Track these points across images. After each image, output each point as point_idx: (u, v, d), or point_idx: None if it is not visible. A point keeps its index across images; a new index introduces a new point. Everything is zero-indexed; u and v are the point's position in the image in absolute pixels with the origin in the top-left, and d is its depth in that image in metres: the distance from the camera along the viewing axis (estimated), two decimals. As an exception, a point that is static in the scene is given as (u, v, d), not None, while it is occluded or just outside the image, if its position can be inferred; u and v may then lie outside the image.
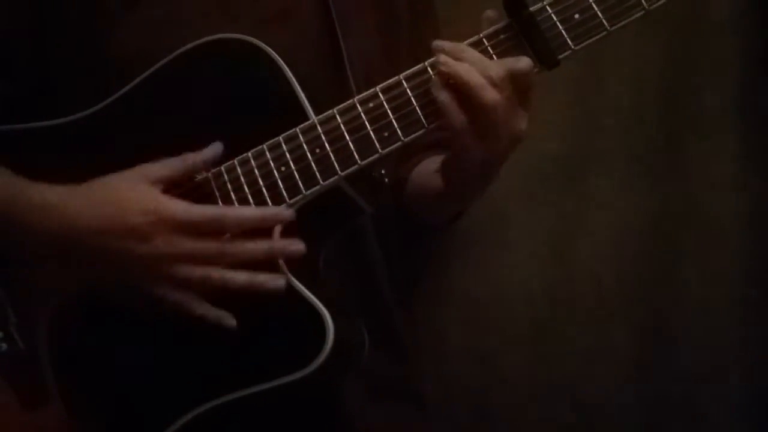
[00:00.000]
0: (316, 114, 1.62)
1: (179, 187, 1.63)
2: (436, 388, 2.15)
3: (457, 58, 1.59)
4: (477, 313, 2.36)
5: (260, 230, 1.59)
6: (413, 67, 1.63)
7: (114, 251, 1.57)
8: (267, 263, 1.59)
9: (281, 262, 1.60)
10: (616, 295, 2.36)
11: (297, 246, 1.59)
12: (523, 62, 1.58)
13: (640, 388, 2.36)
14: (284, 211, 1.60)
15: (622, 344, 2.36)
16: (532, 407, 2.37)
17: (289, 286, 1.59)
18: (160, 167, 1.60)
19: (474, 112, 1.57)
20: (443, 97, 1.58)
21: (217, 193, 1.63)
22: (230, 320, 1.57)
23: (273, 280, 1.58)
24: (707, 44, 2.32)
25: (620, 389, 2.36)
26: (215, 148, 1.62)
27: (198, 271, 1.57)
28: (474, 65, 1.57)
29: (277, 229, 1.60)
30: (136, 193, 1.58)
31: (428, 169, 1.85)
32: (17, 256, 1.65)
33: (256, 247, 1.58)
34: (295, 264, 1.60)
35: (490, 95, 1.56)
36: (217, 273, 1.57)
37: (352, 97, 1.63)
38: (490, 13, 1.62)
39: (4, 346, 1.66)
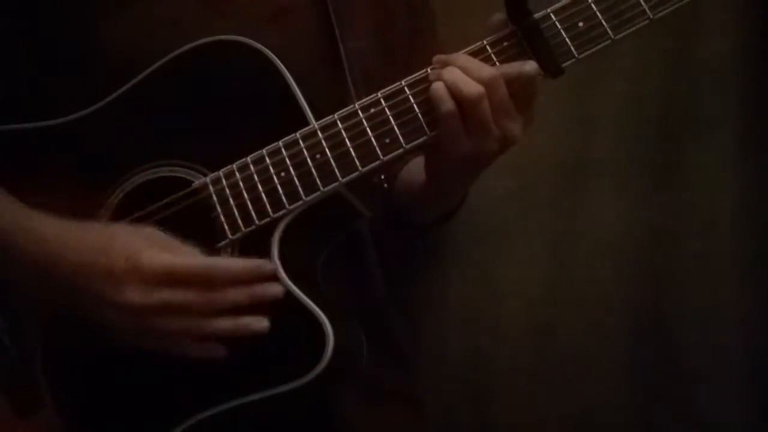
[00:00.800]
0: (316, 118, 1.61)
1: (175, 192, 1.63)
2: (434, 390, 2.16)
3: (446, 64, 1.59)
4: (476, 315, 2.37)
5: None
6: (410, 67, 1.62)
7: (93, 293, 1.55)
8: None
9: (280, 270, 1.59)
10: (616, 296, 2.36)
11: (275, 289, 1.57)
12: (529, 66, 1.57)
13: (640, 389, 2.36)
14: (267, 265, 1.58)
15: (621, 345, 2.36)
16: (531, 409, 2.37)
17: (288, 293, 1.58)
18: (162, 233, 1.59)
19: (460, 105, 1.57)
20: (433, 88, 1.58)
21: (215, 198, 1.62)
22: (220, 352, 1.56)
23: (256, 323, 1.55)
24: (707, 44, 2.32)
25: (620, 390, 2.36)
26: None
27: (176, 322, 1.54)
28: (460, 65, 1.58)
29: (275, 245, 1.60)
30: (126, 238, 1.57)
31: (416, 164, 1.83)
32: (9, 278, 1.64)
33: (238, 294, 1.56)
34: (294, 270, 1.59)
35: (471, 88, 1.55)
36: (197, 323, 1.55)
37: (350, 96, 1.64)
38: (498, 16, 1.61)
39: (-3, 355, 1.65)
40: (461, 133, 1.58)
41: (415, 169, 1.81)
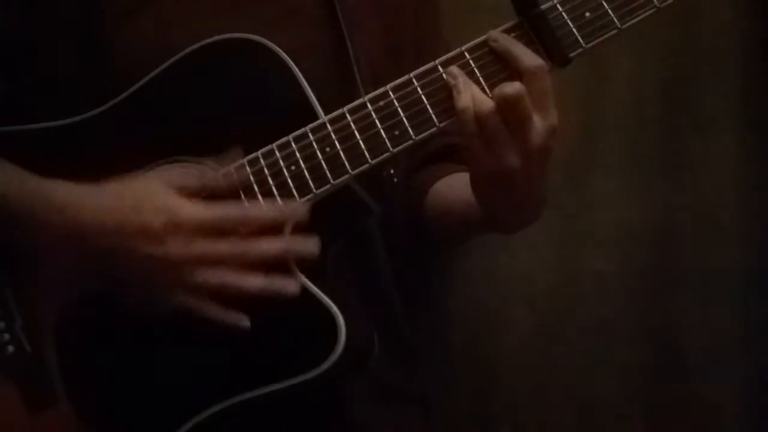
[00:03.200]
0: (325, 114, 1.62)
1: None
2: (439, 389, 2.15)
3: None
4: (479, 314, 2.37)
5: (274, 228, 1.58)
6: (418, 67, 1.63)
7: (127, 250, 1.55)
8: (280, 266, 1.58)
9: (292, 264, 1.59)
10: (618, 295, 2.37)
11: (312, 243, 1.57)
12: (510, 88, 1.57)
13: (641, 389, 2.37)
14: (300, 207, 1.59)
15: (623, 344, 2.37)
16: (534, 408, 2.38)
17: (302, 287, 1.58)
18: (179, 173, 1.60)
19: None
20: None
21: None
22: (245, 322, 1.56)
23: (288, 285, 1.56)
24: (708, 44, 2.33)
25: (622, 389, 2.37)
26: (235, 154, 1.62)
27: (212, 275, 1.55)
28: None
29: (288, 228, 1.59)
30: (152, 193, 1.57)
31: (455, 187, 1.85)
32: (31, 252, 1.63)
33: (271, 246, 1.57)
34: (306, 264, 1.60)
35: (471, 128, 1.57)
36: (232, 277, 1.55)
37: (360, 97, 1.63)
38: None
39: (11, 348, 1.64)
40: (481, 152, 1.60)
41: (452, 193, 1.84)
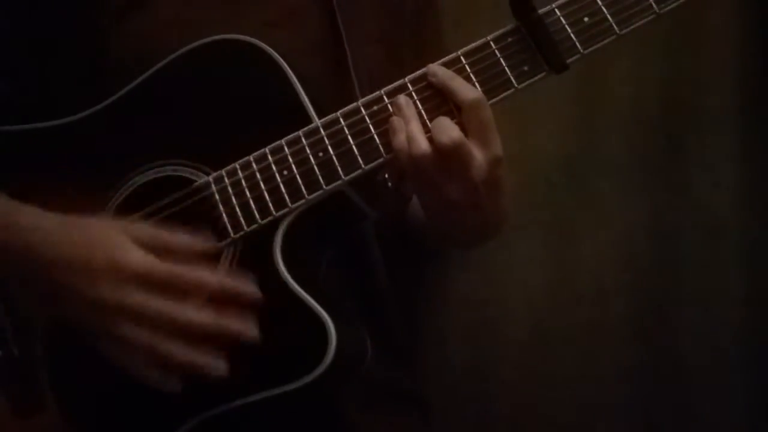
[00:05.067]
0: (319, 117, 1.60)
1: (178, 191, 1.62)
2: (437, 390, 2.15)
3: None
4: (477, 314, 2.37)
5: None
6: (417, 70, 1.61)
7: (69, 288, 1.53)
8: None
9: (282, 268, 1.58)
10: (617, 295, 2.37)
11: (251, 329, 1.52)
12: (445, 137, 1.54)
13: (640, 389, 2.36)
14: (249, 286, 1.54)
15: (623, 345, 2.36)
16: (532, 408, 2.37)
17: (293, 293, 1.57)
18: (147, 228, 1.58)
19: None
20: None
21: (217, 197, 1.61)
22: (172, 385, 1.53)
23: (216, 367, 1.51)
24: (707, 44, 2.32)
25: (621, 389, 2.37)
26: (196, 242, 1.57)
27: (143, 337, 1.51)
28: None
29: (277, 244, 1.58)
30: (107, 234, 1.54)
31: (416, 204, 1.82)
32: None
33: (204, 319, 1.51)
34: (297, 269, 1.58)
35: (406, 168, 1.56)
36: (158, 340, 1.50)
37: (356, 99, 1.62)
38: None
39: (-1, 353, 1.64)
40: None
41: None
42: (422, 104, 1.59)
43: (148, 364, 1.52)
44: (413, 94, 1.59)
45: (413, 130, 1.56)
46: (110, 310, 1.51)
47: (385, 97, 1.59)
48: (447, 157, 1.53)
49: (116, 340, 1.52)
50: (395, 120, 1.57)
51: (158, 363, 1.51)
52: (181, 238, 1.56)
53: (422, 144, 1.54)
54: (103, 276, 1.51)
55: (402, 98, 1.58)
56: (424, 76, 1.60)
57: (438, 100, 1.59)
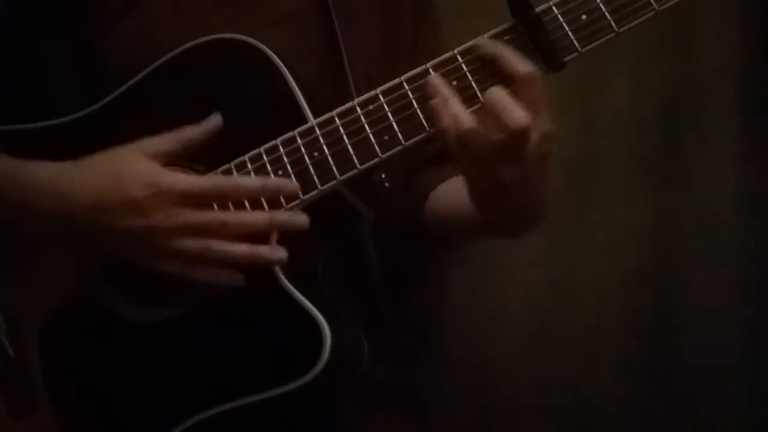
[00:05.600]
0: (315, 117, 1.59)
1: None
2: (436, 390, 2.14)
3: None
4: (478, 314, 2.37)
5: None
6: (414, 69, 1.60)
7: (114, 226, 1.56)
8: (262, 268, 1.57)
9: (277, 269, 1.57)
10: (617, 295, 2.37)
11: (300, 219, 1.57)
12: (520, 122, 1.51)
13: (640, 389, 2.37)
14: (289, 184, 1.58)
15: (622, 345, 2.37)
16: (532, 408, 2.38)
17: (287, 294, 1.57)
18: (158, 141, 1.58)
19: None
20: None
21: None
22: (238, 280, 1.56)
23: (274, 252, 1.56)
24: (707, 44, 2.33)
25: (620, 389, 2.37)
26: (214, 120, 1.60)
27: (198, 243, 1.55)
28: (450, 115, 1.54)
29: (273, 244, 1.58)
30: (135, 166, 1.56)
31: (454, 192, 1.80)
32: (22, 235, 1.65)
33: (258, 217, 1.57)
34: (293, 270, 1.58)
35: (455, 148, 1.54)
36: (217, 244, 1.55)
37: (352, 99, 1.61)
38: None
39: (-6, 354, 1.64)
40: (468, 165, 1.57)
41: (453, 196, 1.80)
42: (472, 76, 1.58)
43: (213, 268, 1.56)
44: (463, 65, 1.58)
45: (456, 108, 1.53)
46: (165, 232, 1.55)
47: (380, 96, 1.58)
48: (512, 139, 1.51)
49: (177, 257, 1.56)
50: (436, 102, 1.55)
51: (222, 264, 1.56)
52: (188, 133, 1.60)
53: (468, 119, 1.52)
54: (149, 205, 1.54)
55: (435, 78, 1.57)
56: (471, 49, 1.58)
57: (486, 72, 1.57)
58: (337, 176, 1.58)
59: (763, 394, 2.34)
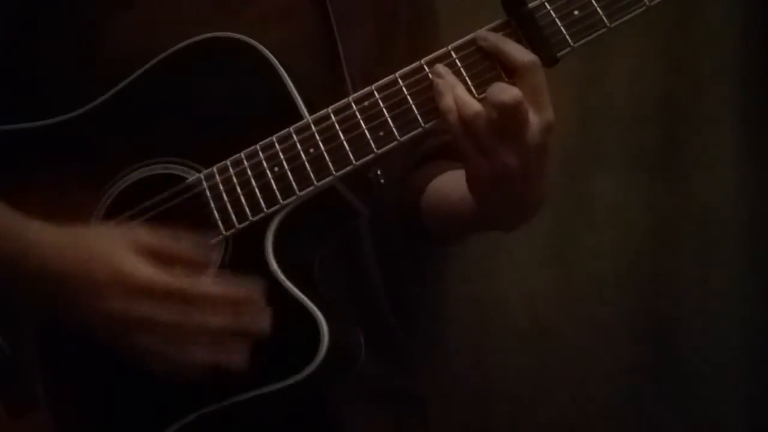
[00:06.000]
0: (311, 114, 1.60)
1: (169, 189, 1.62)
2: (435, 389, 2.14)
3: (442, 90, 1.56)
4: (477, 313, 2.37)
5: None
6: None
7: (77, 300, 1.53)
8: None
9: (274, 264, 1.57)
10: (617, 295, 2.38)
11: (262, 325, 1.52)
12: (507, 95, 1.52)
13: (640, 389, 2.38)
14: (254, 294, 1.53)
15: (622, 344, 2.38)
16: (531, 408, 2.38)
17: (284, 290, 1.56)
18: (149, 234, 1.56)
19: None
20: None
21: (208, 194, 1.61)
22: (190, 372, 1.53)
23: (232, 360, 1.51)
24: (707, 44, 2.33)
25: (620, 389, 2.38)
26: (214, 251, 1.59)
27: (152, 340, 1.51)
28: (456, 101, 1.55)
29: (269, 241, 1.58)
30: (110, 248, 1.54)
31: (448, 183, 1.81)
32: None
33: (216, 323, 1.52)
34: (289, 266, 1.58)
35: (457, 131, 1.54)
36: (171, 348, 1.51)
37: (348, 95, 1.61)
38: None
39: (-9, 353, 1.65)
40: (474, 156, 1.56)
41: (449, 189, 1.80)
42: (466, 71, 1.57)
43: (166, 365, 1.52)
44: (457, 61, 1.58)
45: (460, 92, 1.54)
46: (120, 321, 1.51)
47: (375, 93, 1.59)
48: (506, 117, 1.51)
49: (131, 348, 1.53)
50: (440, 82, 1.55)
51: (176, 364, 1.52)
52: (182, 245, 1.56)
53: (474, 104, 1.53)
54: (109, 289, 1.51)
55: (441, 67, 1.57)
56: (467, 44, 1.58)
57: (482, 67, 1.57)
58: (333, 172, 1.58)
59: (763, 394, 2.34)
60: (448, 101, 1.54)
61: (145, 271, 1.52)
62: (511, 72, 1.55)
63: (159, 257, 1.53)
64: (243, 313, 1.52)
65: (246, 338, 1.52)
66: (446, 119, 1.54)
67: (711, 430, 2.37)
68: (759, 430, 2.35)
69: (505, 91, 1.51)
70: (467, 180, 1.63)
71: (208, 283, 1.55)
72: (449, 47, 1.59)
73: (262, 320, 1.52)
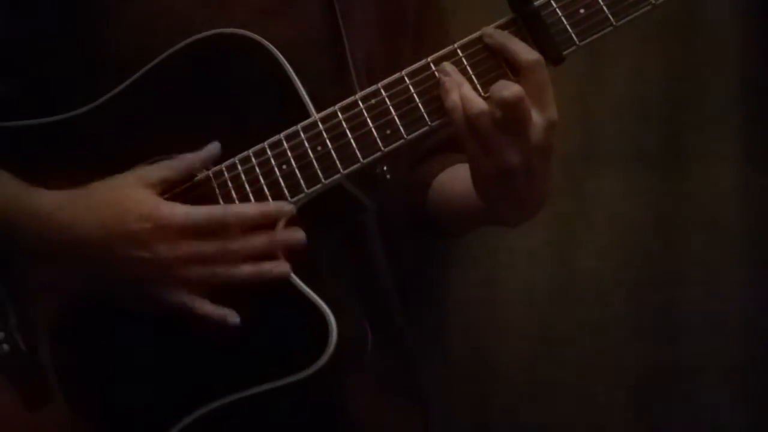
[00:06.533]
0: (317, 110, 1.61)
1: (179, 186, 1.62)
2: (437, 387, 2.15)
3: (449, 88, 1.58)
4: (478, 313, 2.37)
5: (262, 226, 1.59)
6: (416, 62, 1.61)
7: (114, 257, 1.56)
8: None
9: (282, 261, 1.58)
10: (617, 294, 2.37)
11: (298, 235, 1.58)
12: (508, 92, 1.53)
13: (640, 388, 2.37)
14: (285, 206, 1.59)
15: (622, 343, 2.37)
16: (532, 407, 2.37)
17: (292, 286, 1.58)
18: (157, 169, 1.60)
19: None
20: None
21: (217, 192, 1.62)
22: (234, 318, 1.56)
23: (277, 267, 1.57)
24: (708, 44, 2.33)
25: (621, 388, 2.37)
26: (213, 148, 1.61)
27: (201, 271, 1.56)
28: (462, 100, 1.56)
29: (281, 224, 1.58)
30: (134, 197, 1.57)
31: (454, 178, 1.83)
32: (20, 260, 1.65)
33: (258, 241, 1.57)
34: (298, 263, 1.59)
35: (462, 129, 1.55)
36: (221, 269, 1.56)
37: (354, 90, 1.62)
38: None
39: (6, 347, 1.65)
40: (479, 155, 1.58)
41: (455, 184, 1.82)
42: (472, 69, 1.59)
43: (213, 303, 1.57)
44: (463, 59, 1.59)
45: (466, 90, 1.55)
46: (168, 264, 1.56)
47: (382, 90, 1.59)
48: (510, 112, 1.52)
49: (183, 286, 1.57)
50: (447, 80, 1.57)
51: (229, 286, 1.57)
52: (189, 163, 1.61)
53: (479, 102, 1.54)
54: (150, 238, 1.55)
55: (448, 65, 1.58)
56: (473, 42, 1.59)
57: (487, 66, 1.58)
58: (341, 170, 1.59)
59: (763, 394, 2.33)
60: (453, 99, 1.55)
61: (179, 209, 1.56)
62: (516, 70, 1.56)
63: (175, 184, 1.59)
64: (279, 227, 1.58)
65: (286, 249, 1.57)
66: (451, 117, 1.56)
67: (711, 430, 2.36)
68: (759, 430, 2.34)
69: (507, 88, 1.52)
70: (472, 177, 1.64)
71: (241, 206, 1.60)
72: (455, 45, 1.60)
73: (299, 233, 1.58)
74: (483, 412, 2.38)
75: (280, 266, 1.57)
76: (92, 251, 1.58)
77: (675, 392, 2.36)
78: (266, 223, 1.58)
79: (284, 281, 1.58)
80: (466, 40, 1.60)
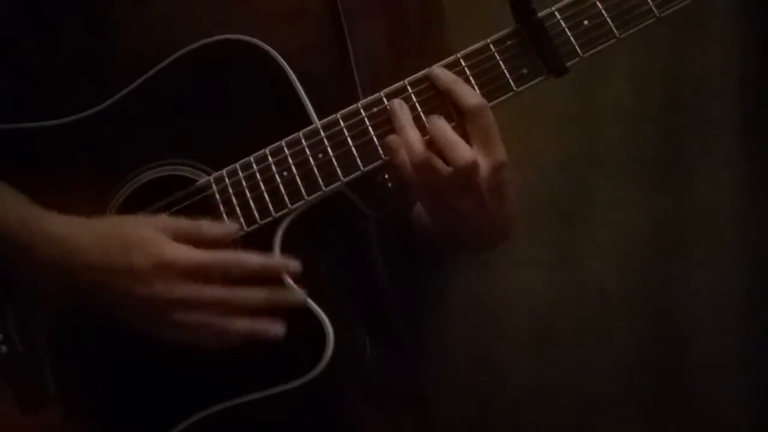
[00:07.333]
0: (320, 118, 1.60)
1: (179, 191, 1.63)
2: (438, 389, 2.15)
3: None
4: (479, 314, 2.38)
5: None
6: (421, 69, 1.61)
7: (115, 289, 1.57)
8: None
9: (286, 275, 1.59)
10: (618, 296, 2.38)
11: (299, 294, 1.57)
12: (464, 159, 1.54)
13: (641, 389, 2.38)
14: (290, 263, 1.58)
15: (623, 345, 2.38)
16: (533, 407, 2.38)
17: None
18: (173, 220, 1.60)
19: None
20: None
21: (218, 197, 1.62)
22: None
23: (272, 328, 1.56)
24: (708, 46, 2.33)
25: (621, 390, 2.38)
26: (233, 229, 1.60)
27: (195, 317, 1.56)
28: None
29: (277, 244, 1.59)
30: (144, 235, 1.57)
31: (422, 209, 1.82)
32: (27, 277, 1.65)
33: (258, 296, 1.57)
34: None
35: (408, 175, 1.56)
36: (215, 320, 1.56)
37: (358, 98, 1.62)
38: None
39: (4, 348, 1.65)
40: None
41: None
42: (421, 107, 1.59)
43: (211, 339, 1.57)
44: (413, 96, 1.59)
45: (411, 137, 1.56)
46: (164, 304, 1.55)
47: (384, 99, 1.59)
48: (456, 176, 1.54)
49: (176, 328, 1.56)
50: (392, 139, 1.57)
51: (220, 337, 1.56)
52: (209, 227, 1.60)
53: (419, 151, 1.55)
54: (150, 275, 1.55)
55: (396, 102, 1.58)
56: (424, 78, 1.60)
57: (437, 103, 1.58)
58: (342, 177, 1.59)
59: (764, 394, 2.34)
60: (401, 155, 1.56)
61: (185, 253, 1.56)
62: (460, 112, 1.57)
63: (190, 240, 1.57)
64: (279, 285, 1.57)
65: (284, 308, 1.56)
66: (401, 170, 1.56)
67: (711, 430, 2.37)
68: (759, 430, 2.35)
69: (458, 153, 1.54)
70: (427, 214, 1.67)
71: (246, 255, 1.59)
72: (405, 81, 1.60)
73: (298, 292, 1.57)
74: (484, 412, 2.39)
75: (275, 328, 1.56)
76: (93, 278, 1.58)
77: (675, 392, 2.37)
78: (269, 276, 1.57)
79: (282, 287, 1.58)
80: (416, 76, 1.60)
